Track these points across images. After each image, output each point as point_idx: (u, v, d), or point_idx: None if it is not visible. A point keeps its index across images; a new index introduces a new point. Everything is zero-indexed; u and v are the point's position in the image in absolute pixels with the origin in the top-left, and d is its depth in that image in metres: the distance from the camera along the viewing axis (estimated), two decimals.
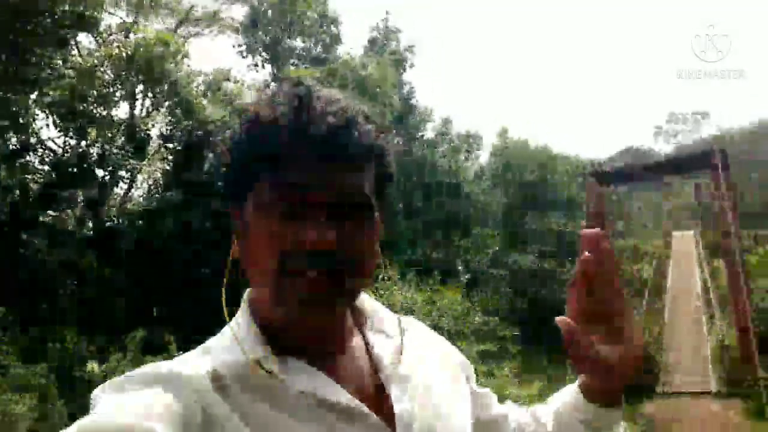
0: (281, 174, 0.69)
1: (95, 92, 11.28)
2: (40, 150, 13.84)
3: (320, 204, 0.68)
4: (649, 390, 12.57)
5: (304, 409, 0.69)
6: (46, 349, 7.47)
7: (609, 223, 18.88)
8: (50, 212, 12.82)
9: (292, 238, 0.68)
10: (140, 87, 13.30)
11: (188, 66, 13.14)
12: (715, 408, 11.53)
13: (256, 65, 17.73)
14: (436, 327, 9.49)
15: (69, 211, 13.52)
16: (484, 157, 24.84)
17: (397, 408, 0.74)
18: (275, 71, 17.39)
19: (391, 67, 18.31)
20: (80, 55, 12.95)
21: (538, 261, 17.88)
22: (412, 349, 0.83)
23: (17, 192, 10.66)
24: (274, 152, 0.69)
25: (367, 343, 0.82)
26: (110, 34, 13.18)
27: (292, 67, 17.05)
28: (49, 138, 13.99)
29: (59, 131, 13.73)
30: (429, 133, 21.26)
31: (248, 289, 0.79)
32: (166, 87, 12.30)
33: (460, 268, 16.10)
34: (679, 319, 16.26)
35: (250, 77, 17.93)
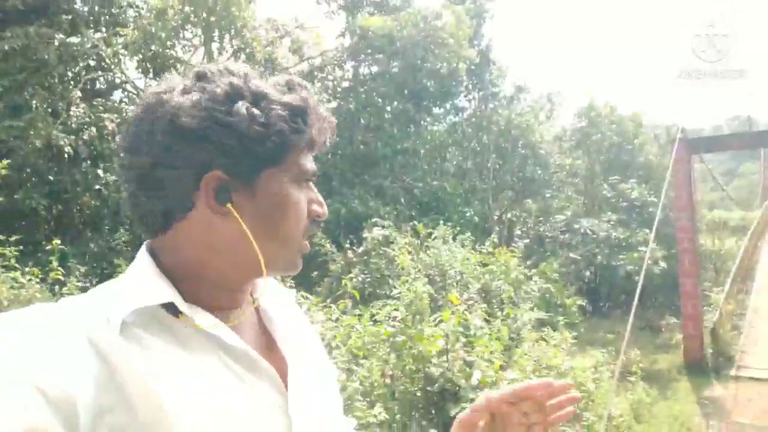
0: (310, 151, 0.82)
1: (163, 35, 11.52)
2: (127, 90, 14.52)
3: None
4: (720, 372, 11.89)
5: (209, 351, 0.72)
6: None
7: (696, 194, 17.52)
8: None
9: (318, 207, 0.83)
10: (215, 32, 13.49)
11: (254, 12, 13.09)
12: None
13: (332, 12, 17.48)
14: (487, 291, 9.21)
15: None
16: (564, 120, 23.77)
17: (290, 363, 0.81)
18: (350, 19, 17.09)
19: (470, 17, 17.48)
20: None
21: (612, 229, 16.94)
22: (290, 315, 0.91)
23: (94, 129, 11.27)
24: (303, 130, 0.78)
25: (254, 304, 0.87)
26: None
27: (366, 15, 16.66)
28: (132, 79, 14.62)
29: (139, 72, 14.33)
30: (507, 90, 20.20)
31: (146, 241, 0.80)
32: (233, 32, 12.40)
33: (519, 231, 15.55)
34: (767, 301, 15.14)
35: (325, 25, 17.65)
